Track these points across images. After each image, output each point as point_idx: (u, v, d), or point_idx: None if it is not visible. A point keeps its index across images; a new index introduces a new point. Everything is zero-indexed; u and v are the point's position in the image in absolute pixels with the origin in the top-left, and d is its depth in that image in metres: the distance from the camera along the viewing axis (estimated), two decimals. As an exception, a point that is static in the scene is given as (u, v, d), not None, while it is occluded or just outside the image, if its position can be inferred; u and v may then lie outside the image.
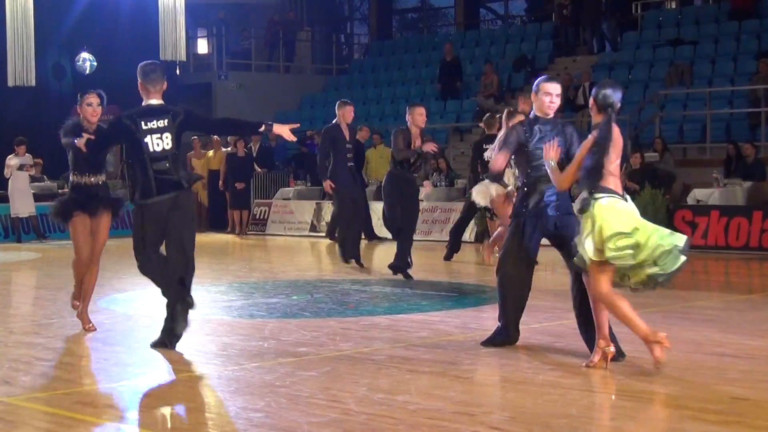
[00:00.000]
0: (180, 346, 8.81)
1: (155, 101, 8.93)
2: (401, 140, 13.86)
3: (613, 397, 7.10)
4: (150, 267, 8.88)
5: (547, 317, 10.25)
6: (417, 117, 13.91)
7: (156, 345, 8.85)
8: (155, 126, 8.80)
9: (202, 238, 18.75)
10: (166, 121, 8.83)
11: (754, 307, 11.45)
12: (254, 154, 24.61)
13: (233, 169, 23.59)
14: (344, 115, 15.12)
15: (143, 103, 9.00)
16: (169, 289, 8.81)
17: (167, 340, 8.82)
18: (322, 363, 8.31)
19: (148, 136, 8.77)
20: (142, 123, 8.78)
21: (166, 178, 8.77)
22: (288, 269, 16.19)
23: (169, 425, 6.62)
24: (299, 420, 6.50)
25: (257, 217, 24.17)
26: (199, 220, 22.08)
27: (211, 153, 25.03)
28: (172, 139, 8.83)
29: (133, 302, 11.98)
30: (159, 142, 8.79)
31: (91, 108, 9.78)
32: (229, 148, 24.35)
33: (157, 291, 9.04)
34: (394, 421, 6.32)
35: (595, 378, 7.58)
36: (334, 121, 15.36)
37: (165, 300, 8.92)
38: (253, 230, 23.88)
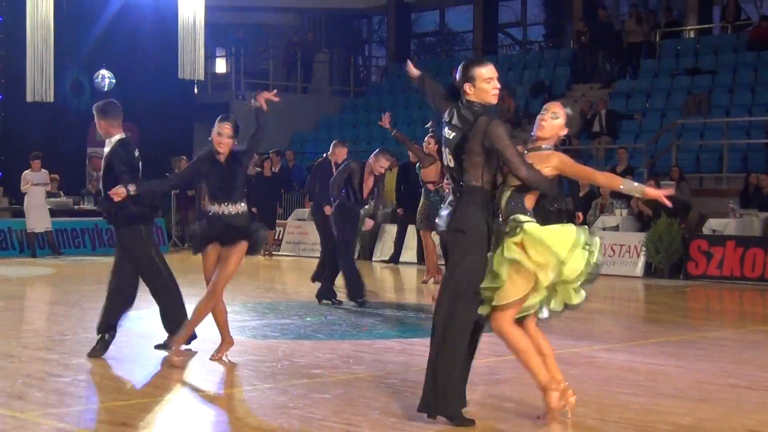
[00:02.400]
0: (194, 366, 8.81)
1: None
2: (347, 175, 13.96)
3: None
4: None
5: (561, 344, 10.22)
6: (377, 166, 14.00)
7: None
8: None
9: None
10: None
11: (769, 339, 11.42)
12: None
13: (262, 188, 23.17)
14: (337, 154, 15.35)
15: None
16: None
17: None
18: (336, 386, 8.30)
19: None
20: None
21: None
22: (301, 290, 16.17)
23: (181, 445, 6.63)
24: (312, 442, 6.50)
25: (275, 237, 24.06)
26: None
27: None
28: None
29: (146, 321, 11.99)
30: None
31: (220, 138, 9.21)
32: (257, 169, 24.22)
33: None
34: None
35: (610, 408, 7.55)
36: (324, 156, 15.53)
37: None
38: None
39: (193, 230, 9.78)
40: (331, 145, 15.54)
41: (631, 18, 27.87)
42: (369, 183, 14.09)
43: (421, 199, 15.45)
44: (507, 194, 6.76)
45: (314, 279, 14.91)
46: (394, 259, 20.63)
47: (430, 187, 15.10)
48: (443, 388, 6.67)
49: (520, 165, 6.64)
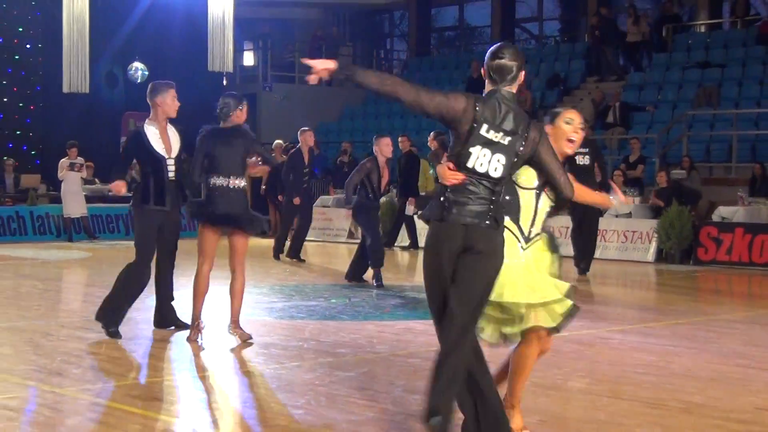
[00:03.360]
0: (224, 345, 8.84)
1: None
2: (365, 175, 14.05)
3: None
4: None
5: (578, 326, 10.21)
6: (384, 148, 14.15)
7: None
8: None
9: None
10: None
11: (777, 322, 11.38)
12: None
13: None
14: (305, 140, 16.18)
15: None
16: None
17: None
18: (360, 364, 8.32)
19: None
20: None
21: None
22: (326, 274, 16.20)
23: (211, 419, 6.63)
24: (338, 418, 6.50)
25: (298, 223, 24.08)
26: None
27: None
28: None
29: (178, 301, 12.01)
30: None
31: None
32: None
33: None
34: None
35: (624, 386, 7.54)
36: (296, 146, 16.84)
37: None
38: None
39: None
40: (298, 133, 17.00)
41: (630, 18, 27.76)
42: (386, 174, 14.21)
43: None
44: (545, 208, 5.90)
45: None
46: (414, 245, 20.53)
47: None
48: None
49: (568, 183, 5.78)
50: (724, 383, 7.78)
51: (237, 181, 9.21)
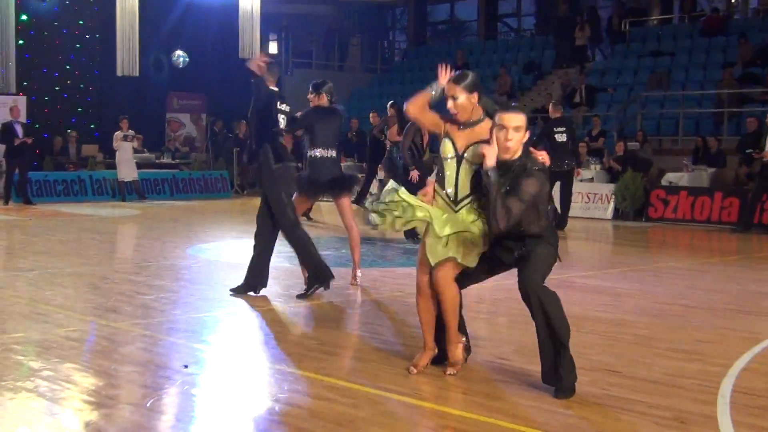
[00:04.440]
0: (256, 293, 8.79)
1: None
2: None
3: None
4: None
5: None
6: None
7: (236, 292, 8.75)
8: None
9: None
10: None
11: (715, 269, 11.39)
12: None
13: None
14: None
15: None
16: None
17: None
18: (365, 304, 8.36)
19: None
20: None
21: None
22: (338, 228, 16.21)
23: (239, 347, 6.68)
24: (346, 345, 6.55)
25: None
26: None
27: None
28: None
29: (215, 251, 12.06)
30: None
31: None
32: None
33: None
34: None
35: (585, 322, 7.58)
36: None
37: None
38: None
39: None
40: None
41: (577, 25, 27.49)
42: (426, 136, 13.39)
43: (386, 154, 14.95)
44: (467, 174, 5.57)
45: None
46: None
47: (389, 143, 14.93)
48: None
49: (494, 218, 5.29)
50: (669, 320, 7.81)
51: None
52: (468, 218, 5.56)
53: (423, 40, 35.82)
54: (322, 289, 8.72)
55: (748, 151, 17.64)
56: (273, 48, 34.61)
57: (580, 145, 20.53)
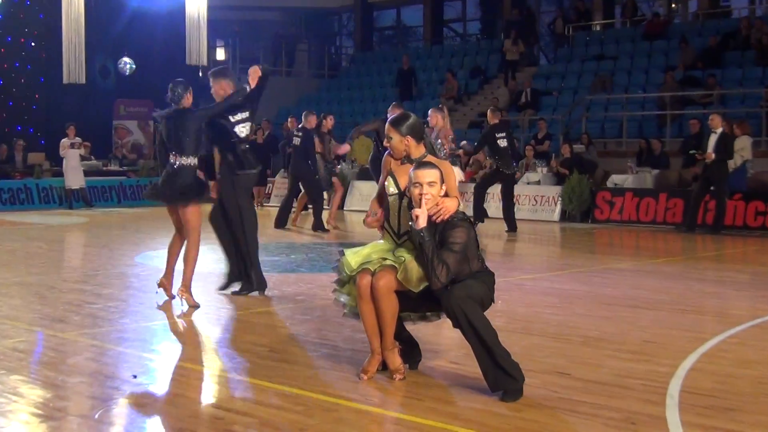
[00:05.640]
0: (198, 295, 8.74)
1: None
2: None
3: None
4: None
5: (497, 275, 10.23)
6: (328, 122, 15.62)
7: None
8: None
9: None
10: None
11: (660, 270, 11.47)
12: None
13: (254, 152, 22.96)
14: (309, 122, 16.15)
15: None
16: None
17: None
18: (315, 309, 8.29)
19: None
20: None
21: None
22: (288, 234, 16.13)
23: (190, 356, 6.59)
24: (296, 352, 6.49)
25: (266, 192, 23.92)
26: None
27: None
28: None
29: (163, 258, 11.88)
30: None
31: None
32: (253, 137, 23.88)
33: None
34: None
35: (534, 324, 7.59)
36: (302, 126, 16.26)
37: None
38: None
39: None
40: (303, 115, 16.41)
41: (508, 39, 27.56)
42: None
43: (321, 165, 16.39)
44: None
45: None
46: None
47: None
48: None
49: (443, 274, 5.29)
50: (616, 321, 7.84)
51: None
52: (412, 252, 5.54)
53: (370, 45, 35.83)
54: (257, 293, 8.95)
55: (691, 152, 17.82)
56: (220, 54, 34.42)
57: (526, 148, 20.93)
